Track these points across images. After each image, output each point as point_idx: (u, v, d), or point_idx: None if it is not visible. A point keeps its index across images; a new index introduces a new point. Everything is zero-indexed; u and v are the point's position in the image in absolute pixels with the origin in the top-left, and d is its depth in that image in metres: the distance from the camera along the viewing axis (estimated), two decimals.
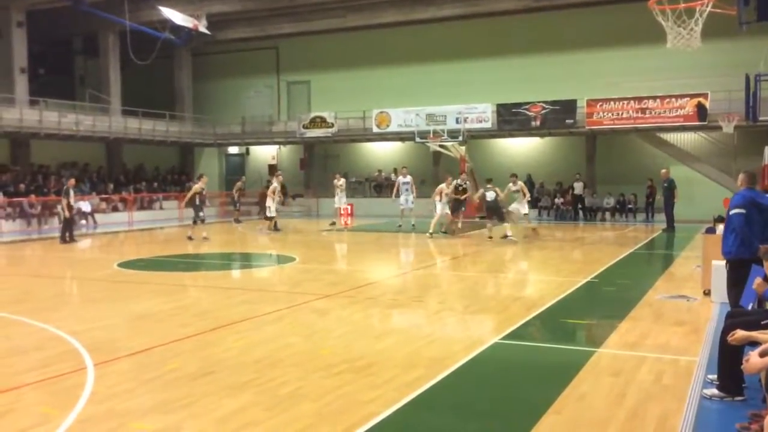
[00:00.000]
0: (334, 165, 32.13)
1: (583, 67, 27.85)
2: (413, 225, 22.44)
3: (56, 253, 17.58)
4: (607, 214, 27.13)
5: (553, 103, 27.20)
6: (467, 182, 21.90)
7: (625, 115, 26.08)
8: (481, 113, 28.35)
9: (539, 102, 27.36)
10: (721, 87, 24.21)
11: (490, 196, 18.69)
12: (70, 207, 19.53)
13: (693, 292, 10.50)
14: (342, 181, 24.80)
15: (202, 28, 29.11)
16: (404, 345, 7.64)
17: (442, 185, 20.97)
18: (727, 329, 5.56)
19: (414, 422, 5.37)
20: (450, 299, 10.66)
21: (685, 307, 9.67)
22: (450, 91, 29.71)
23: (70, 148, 29.04)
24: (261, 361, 6.92)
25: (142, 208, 29.13)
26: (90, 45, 33.08)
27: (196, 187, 19.97)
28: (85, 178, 28.15)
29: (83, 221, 24.57)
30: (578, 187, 26.97)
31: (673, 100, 25.32)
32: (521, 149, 30.40)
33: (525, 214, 19.40)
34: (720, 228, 9.88)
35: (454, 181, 20.74)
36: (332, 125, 31.33)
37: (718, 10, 14.13)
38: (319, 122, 31.66)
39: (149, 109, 30.78)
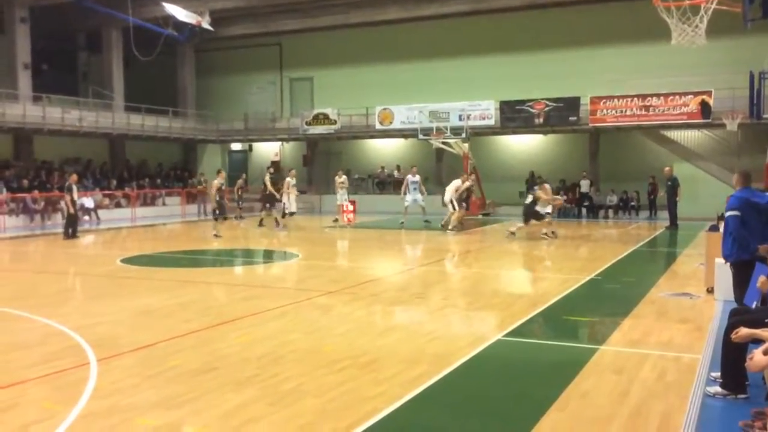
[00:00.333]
0: (337, 162, 32.13)
1: (587, 64, 27.77)
2: (426, 221, 22.43)
3: (59, 249, 17.60)
4: (610, 212, 27.08)
5: (557, 100, 27.14)
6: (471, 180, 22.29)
7: (628, 113, 26.01)
8: (485, 110, 28.32)
9: (543, 99, 27.31)
10: (725, 84, 24.13)
11: (527, 199, 18.60)
12: (73, 203, 19.56)
13: (696, 290, 10.49)
14: (344, 178, 24.77)
15: (205, 25, 29.09)
16: (407, 341, 7.64)
17: (458, 181, 21.21)
18: (730, 327, 5.56)
19: (417, 419, 5.37)
20: (453, 296, 10.66)
21: (689, 304, 9.66)
22: (453, 88, 29.67)
23: (73, 144, 29.07)
24: (264, 357, 6.93)
25: (145, 204, 29.17)
26: (93, 41, 33.09)
27: (216, 182, 19.73)
28: (88, 174, 28.19)
29: (86, 217, 24.61)
30: (585, 185, 26.83)
31: (677, 97, 25.25)
32: (524, 146, 30.35)
33: (548, 213, 18.97)
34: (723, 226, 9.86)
35: (467, 182, 21.49)
36: (335, 122, 31.31)
37: (723, 7, 14.09)
38: (322, 119, 31.65)
39: (152, 105, 30.78)
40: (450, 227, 20.58)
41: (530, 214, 18.32)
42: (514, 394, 6.01)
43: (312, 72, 33.94)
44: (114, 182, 28.79)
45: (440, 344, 7.51)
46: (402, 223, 22.32)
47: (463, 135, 26.32)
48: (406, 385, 5.98)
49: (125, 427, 5.11)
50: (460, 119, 27.38)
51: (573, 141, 29.09)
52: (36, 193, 24.40)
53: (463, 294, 10.82)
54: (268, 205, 23.40)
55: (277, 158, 35.13)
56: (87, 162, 29.62)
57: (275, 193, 22.77)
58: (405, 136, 30.49)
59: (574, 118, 26.96)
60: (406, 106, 29.53)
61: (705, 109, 24.74)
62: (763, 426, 4.67)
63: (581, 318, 9.13)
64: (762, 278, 5.95)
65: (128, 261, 14.79)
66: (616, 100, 26.11)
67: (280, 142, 34.91)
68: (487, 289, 11.40)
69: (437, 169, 30.20)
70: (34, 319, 8.84)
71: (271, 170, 24.02)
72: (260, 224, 22.99)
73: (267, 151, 35.60)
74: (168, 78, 34.23)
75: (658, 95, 25.49)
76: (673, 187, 21.28)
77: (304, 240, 19.47)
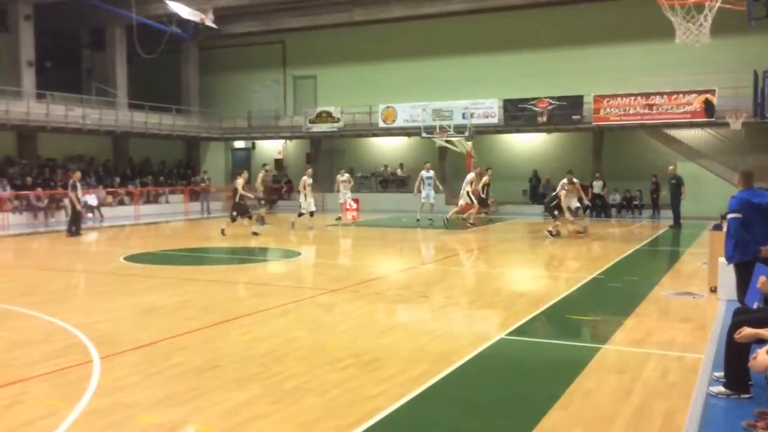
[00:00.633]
0: (340, 160, 32.13)
1: (590, 62, 27.73)
2: (430, 220, 22.48)
3: (63, 246, 17.63)
4: (613, 210, 27.02)
5: (560, 98, 27.10)
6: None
7: (632, 111, 25.98)
8: (488, 109, 28.30)
9: (546, 98, 27.29)
10: (729, 83, 24.08)
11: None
12: (78, 200, 19.57)
13: (699, 289, 10.47)
14: (346, 176, 24.73)
15: (209, 22, 29.08)
16: (410, 340, 7.64)
17: (471, 175, 21.44)
18: (733, 327, 5.54)
19: (419, 417, 5.37)
20: (455, 294, 10.65)
21: (692, 303, 9.64)
22: (456, 87, 29.66)
23: (76, 141, 29.11)
24: (267, 355, 6.94)
25: (148, 201, 29.20)
26: (97, 38, 33.10)
27: (240, 182, 19.45)
28: (91, 172, 28.22)
29: (90, 214, 24.65)
30: (597, 186, 26.60)
31: (681, 96, 25.20)
32: (527, 145, 30.33)
33: (577, 208, 18.84)
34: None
35: (486, 177, 21.96)
36: (338, 120, 31.31)
37: (728, 6, 14.07)
38: (325, 117, 31.64)
39: (156, 103, 30.82)
40: (470, 221, 21.43)
41: (552, 208, 18.34)
42: (516, 392, 6.01)
43: (315, 70, 33.93)
44: (117, 180, 28.83)
45: (442, 343, 7.51)
46: (418, 220, 22.31)
47: (467, 133, 26.29)
48: (409, 384, 5.98)
49: (128, 425, 5.12)
50: (464, 117, 27.35)
51: (576, 140, 29.05)
52: (39, 190, 24.43)
53: (466, 293, 10.82)
54: (262, 202, 23.36)
55: (280, 156, 35.16)
56: (90, 159, 29.65)
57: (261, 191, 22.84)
58: (408, 135, 30.48)
59: (578, 117, 26.92)
60: (409, 104, 29.51)
61: (709, 107, 24.70)
62: (766, 426, 4.66)
63: (584, 317, 9.12)
64: (762, 278, 5.93)
65: (131, 258, 14.81)
66: (619, 98, 26.07)
67: (283, 140, 34.92)
68: (490, 287, 11.40)
69: (440, 167, 30.12)
70: (37, 316, 8.86)
71: (267, 167, 23.98)
72: (262, 222, 22.94)
73: (270, 149, 35.61)
74: (171, 75, 34.26)
75: (661, 94, 25.45)
76: (677, 185, 21.23)
77: (307, 238, 19.47)
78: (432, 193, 22.56)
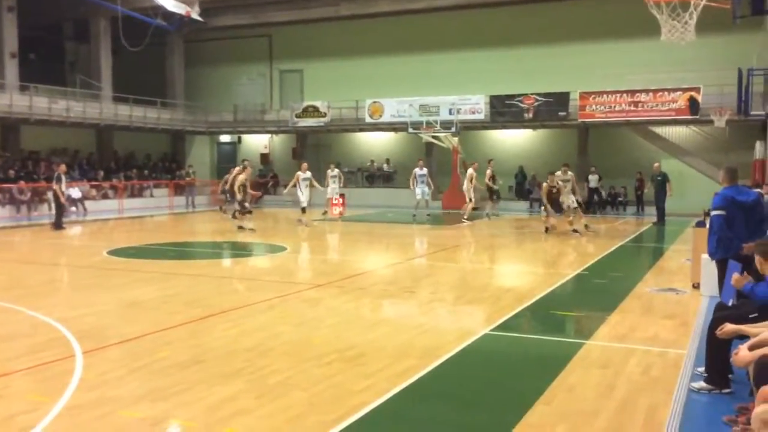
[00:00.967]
0: (327, 155, 32.05)
1: (577, 59, 27.85)
2: (428, 215, 22.53)
3: (46, 240, 17.49)
4: (597, 207, 27.13)
5: (546, 95, 27.21)
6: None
7: (617, 108, 26.12)
8: (475, 104, 28.36)
9: (532, 94, 27.37)
10: (714, 81, 24.27)
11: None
12: (62, 193, 19.39)
13: (682, 285, 10.56)
14: (336, 171, 24.66)
15: (195, 15, 28.93)
16: (395, 335, 7.65)
17: (470, 170, 21.55)
18: (714, 323, 5.59)
19: (405, 412, 5.38)
20: (441, 290, 10.67)
21: (675, 300, 9.72)
22: (443, 82, 29.68)
23: (60, 134, 28.84)
24: (252, 350, 6.92)
25: (132, 195, 29.01)
26: (81, 30, 32.80)
27: (241, 178, 19.06)
28: (75, 165, 27.98)
29: (73, 208, 24.43)
30: (593, 180, 26.65)
31: (666, 93, 25.37)
32: (514, 141, 30.41)
33: (575, 208, 18.68)
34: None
35: (488, 169, 22.55)
36: (325, 115, 31.24)
37: (713, 4, 14.16)
38: (311, 111, 31.55)
39: (140, 96, 30.56)
40: (465, 216, 21.73)
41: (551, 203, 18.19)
42: (500, 387, 6.03)
43: (302, 64, 33.82)
44: (101, 173, 28.59)
45: (428, 338, 7.53)
46: (414, 216, 22.33)
47: (453, 129, 26.33)
48: (394, 379, 5.99)
49: (111, 420, 5.08)
50: (450, 113, 27.40)
51: (562, 136, 29.18)
52: (22, 183, 24.19)
53: (452, 288, 10.84)
54: (228, 197, 23.18)
55: (266, 151, 35.02)
56: (74, 152, 29.41)
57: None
58: (395, 130, 30.46)
59: (564, 113, 27.05)
60: (396, 99, 29.50)
61: (693, 105, 24.88)
62: (747, 421, 4.71)
63: (568, 313, 9.17)
64: (736, 275, 5.98)
65: (115, 253, 14.71)
66: (605, 95, 26.21)
67: (269, 135, 34.79)
68: (476, 283, 11.43)
69: (427, 163, 30.11)
70: (20, 310, 8.78)
71: (245, 162, 23.84)
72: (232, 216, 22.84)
73: (256, 143, 35.48)
74: (157, 68, 33.98)
75: (646, 91, 25.61)
76: (662, 182, 21.35)
77: (292, 233, 19.43)
78: (426, 189, 22.60)
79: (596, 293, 10.63)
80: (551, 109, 27.20)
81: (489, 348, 7.31)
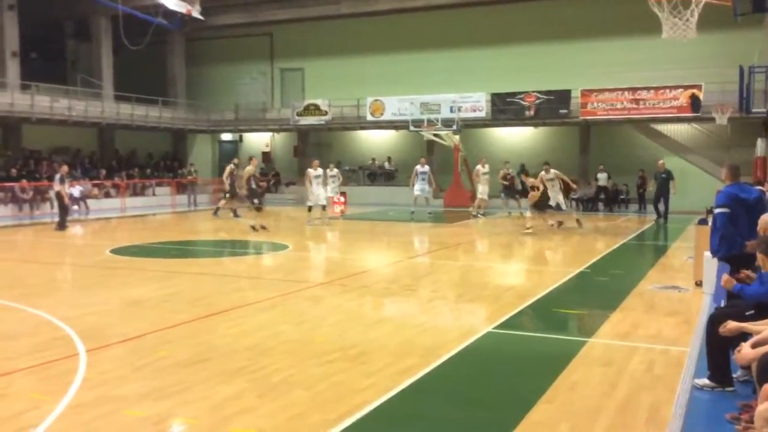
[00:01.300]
0: (328, 153, 32.04)
1: (578, 57, 27.81)
2: (429, 214, 22.59)
3: (48, 239, 17.51)
4: (600, 204, 27.13)
5: (548, 92, 27.17)
6: (511, 171, 23.67)
7: (619, 106, 26.08)
8: (476, 102, 28.32)
9: (534, 92, 27.34)
10: (715, 79, 24.23)
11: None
12: (65, 194, 19.33)
13: (685, 283, 10.55)
14: (335, 171, 24.61)
15: (196, 13, 28.85)
16: (397, 333, 7.65)
17: (478, 167, 21.66)
18: (713, 319, 5.59)
19: (407, 410, 5.38)
20: (443, 288, 10.67)
21: (677, 297, 9.71)
22: (444, 80, 29.66)
23: (62, 133, 28.85)
24: (254, 349, 6.92)
25: (134, 194, 29.03)
26: (82, 29, 32.80)
27: (249, 169, 18.62)
28: (77, 164, 28.01)
29: (75, 207, 24.45)
30: (602, 178, 26.54)
31: (667, 91, 25.34)
32: (515, 139, 30.39)
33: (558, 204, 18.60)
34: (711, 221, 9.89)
35: (502, 170, 22.63)
36: (326, 113, 31.22)
37: (714, 1, 14.14)
38: (312, 110, 31.54)
39: (142, 95, 30.58)
40: (474, 212, 22.00)
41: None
42: (503, 386, 6.03)
43: (303, 62, 33.80)
44: (103, 172, 28.62)
45: (430, 336, 7.53)
46: (413, 212, 22.34)
47: (454, 127, 26.32)
48: (396, 377, 5.99)
49: (114, 418, 5.09)
50: (452, 111, 27.37)
51: (563, 134, 29.15)
52: (24, 182, 24.22)
53: (453, 286, 10.84)
54: (227, 195, 23.16)
55: (267, 149, 35.03)
56: (76, 151, 29.43)
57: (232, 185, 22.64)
58: (396, 128, 30.46)
59: (565, 111, 27.02)
60: (397, 97, 29.47)
61: (695, 102, 24.84)
62: (750, 419, 4.70)
63: (570, 311, 9.17)
64: (725, 276, 5.96)
65: (118, 251, 14.72)
66: (606, 93, 26.18)
67: (270, 133, 34.79)
68: (477, 281, 11.42)
69: (428, 161, 30.08)
70: (22, 309, 8.79)
71: (236, 161, 23.88)
72: (236, 215, 22.87)
73: (257, 141, 35.48)
74: (158, 67, 33.99)
75: (648, 89, 25.57)
76: (666, 180, 21.28)
77: (294, 231, 19.43)
78: (426, 187, 22.59)
79: (598, 291, 10.62)
80: (553, 107, 27.17)
81: (491, 346, 7.31)
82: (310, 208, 20.70)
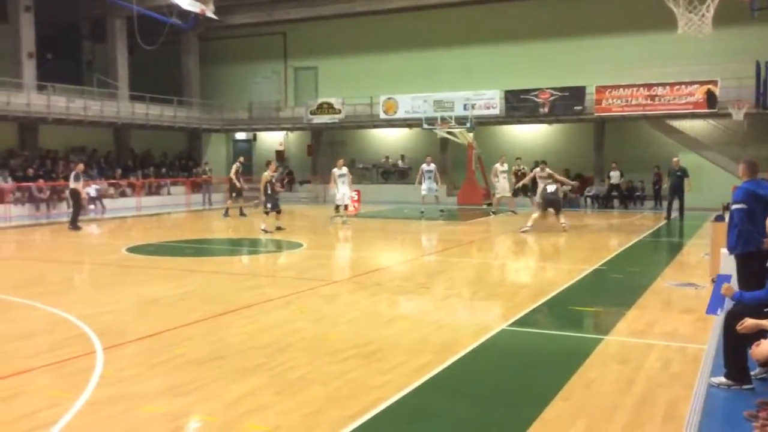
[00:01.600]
0: (342, 151, 32.06)
1: (593, 53, 27.63)
2: (441, 211, 22.59)
3: (65, 238, 17.65)
4: (616, 202, 26.98)
5: (562, 89, 27.03)
6: (523, 167, 23.76)
7: (634, 102, 25.91)
8: (489, 100, 28.23)
9: (548, 88, 27.21)
10: (732, 74, 24.01)
11: (551, 188, 17.80)
12: (81, 191, 19.43)
13: (701, 280, 10.47)
14: (344, 169, 24.56)
15: (210, 13, 28.94)
16: (412, 331, 7.66)
17: (497, 164, 21.63)
18: (730, 316, 5.54)
19: (422, 407, 5.39)
20: (457, 286, 10.66)
21: (694, 294, 9.64)
22: (458, 78, 29.58)
23: (78, 133, 29.08)
24: (270, 346, 6.95)
25: (150, 193, 29.21)
26: (97, 30, 33.01)
27: (266, 175, 18.36)
28: (93, 163, 28.22)
29: (92, 206, 24.66)
30: (615, 176, 26.35)
31: (683, 87, 25.14)
32: (529, 136, 30.26)
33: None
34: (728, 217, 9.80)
35: (514, 166, 22.56)
36: (339, 111, 31.25)
37: None
38: (326, 108, 31.59)
39: (157, 95, 30.78)
40: (493, 210, 22.16)
41: (556, 202, 17.83)
42: (518, 383, 6.02)
43: (316, 61, 33.84)
44: (119, 171, 28.82)
45: (445, 334, 7.53)
46: (422, 212, 22.34)
47: (468, 124, 26.25)
48: (411, 374, 5.99)
49: (132, 415, 5.13)
50: (465, 109, 27.29)
51: (578, 131, 28.99)
52: (41, 182, 24.44)
53: (468, 284, 10.83)
54: (234, 194, 23.23)
55: (281, 148, 35.12)
56: (92, 151, 29.65)
57: (238, 183, 22.66)
58: (409, 126, 30.43)
59: (580, 108, 26.86)
60: (410, 95, 29.45)
61: (711, 98, 24.63)
62: None
63: (586, 308, 9.13)
64: (725, 285, 5.89)
65: (133, 250, 14.82)
66: (621, 89, 26.00)
67: (284, 132, 34.89)
68: (492, 278, 11.40)
69: (442, 158, 30.10)
70: (40, 307, 8.88)
71: (241, 159, 23.98)
72: (242, 213, 22.94)
73: (271, 140, 35.58)
74: (172, 67, 34.15)
75: (663, 85, 25.38)
76: (681, 177, 21.05)
77: (309, 230, 19.48)
78: (434, 185, 22.61)
79: (614, 288, 10.57)
80: (567, 104, 27.03)
81: (506, 344, 7.29)
82: (337, 207, 20.72)
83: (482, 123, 27.94)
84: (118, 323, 8.03)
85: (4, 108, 24.71)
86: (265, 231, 17.79)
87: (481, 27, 29.89)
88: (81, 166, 20.02)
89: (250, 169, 32.99)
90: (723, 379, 5.63)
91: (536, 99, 27.46)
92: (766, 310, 5.39)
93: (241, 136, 36.53)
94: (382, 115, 30.25)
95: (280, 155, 34.67)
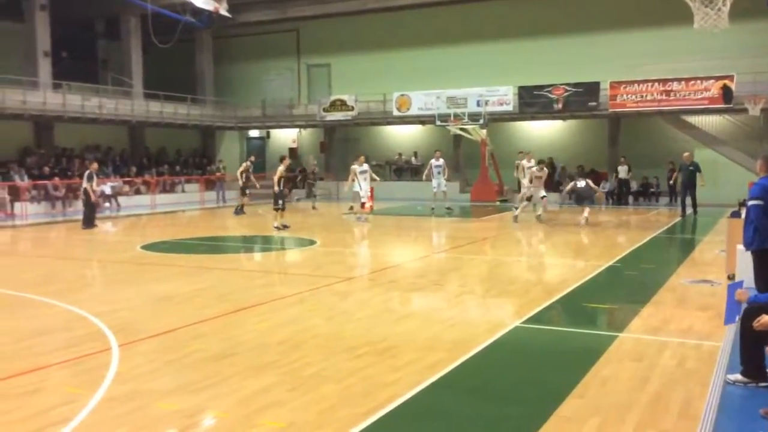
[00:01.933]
0: (355, 148, 32.08)
1: (607, 48, 27.48)
2: (448, 209, 22.52)
3: (80, 236, 17.77)
4: (630, 198, 26.82)
5: (576, 85, 26.89)
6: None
7: (649, 98, 25.74)
8: (503, 96, 28.12)
9: (562, 84, 27.06)
10: (747, 69, 23.79)
11: (581, 183, 18.40)
12: (93, 191, 19.49)
13: (717, 277, 10.40)
14: (365, 166, 24.55)
15: (223, 11, 29.07)
16: (425, 328, 7.65)
17: (524, 161, 21.15)
18: (747, 313, 5.50)
19: (435, 404, 5.38)
20: (471, 283, 10.64)
21: (709, 291, 9.57)
22: (471, 74, 29.48)
23: (93, 131, 29.30)
24: (283, 343, 6.97)
25: (164, 191, 29.38)
26: (112, 28, 33.23)
27: (281, 170, 18.34)
28: (108, 161, 28.42)
29: (107, 204, 24.85)
30: (623, 171, 26.26)
31: (698, 82, 24.93)
32: (543, 132, 30.14)
33: (543, 197, 19.11)
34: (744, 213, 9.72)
35: (532, 161, 21.50)
36: (353, 108, 31.27)
37: None
38: (339, 105, 31.61)
39: (171, 93, 30.93)
40: (517, 206, 21.51)
41: (588, 197, 18.48)
42: (532, 380, 6.00)
43: (329, 58, 33.88)
44: (134, 169, 29.00)
45: (458, 331, 7.52)
46: (433, 209, 22.30)
47: (481, 121, 26.19)
48: (424, 372, 5.99)
49: (147, 412, 5.17)
50: (478, 105, 27.22)
51: (592, 126, 28.85)
52: (57, 180, 24.65)
53: (481, 281, 10.81)
54: (248, 191, 23.28)
55: (294, 145, 35.20)
56: (107, 149, 29.85)
57: (241, 182, 22.69)
58: (423, 123, 30.40)
59: (594, 104, 26.71)
60: (423, 92, 29.40)
61: (727, 93, 24.39)
62: None
63: (600, 305, 9.08)
64: (739, 291, 5.82)
65: (148, 247, 14.91)
66: (636, 84, 25.84)
67: (297, 129, 34.95)
68: (505, 275, 11.37)
69: (455, 155, 30.07)
70: (56, 304, 8.95)
71: (252, 159, 24.05)
72: (238, 211, 22.99)
73: (285, 137, 35.68)
74: (186, 65, 34.31)
75: (679, 80, 25.18)
76: (693, 172, 20.90)
77: (322, 227, 19.51)
78: (443, 181, 22.51)
79: (628, 285, 10.51)
80: (581, 100, 26.88)
81: (520, 341, 7.27)
82: (363, 204, 20.71)
83: (495, 119, 27.86)
84: (133, 320, 8.08)
85: (21, 107, 24.93)
86: (278, 228, 17.83)
87: (494, 23, 29.79)
88: (95, 165, 20.18)
89: (264, 166, 33.13)
90: (739, 377, 5.59)
91: (550, 95, 27.31)
92: None
93: (254, 133, 36.66)
94: (395, 112, 30.24)
95: (293, 152, 34.75)
